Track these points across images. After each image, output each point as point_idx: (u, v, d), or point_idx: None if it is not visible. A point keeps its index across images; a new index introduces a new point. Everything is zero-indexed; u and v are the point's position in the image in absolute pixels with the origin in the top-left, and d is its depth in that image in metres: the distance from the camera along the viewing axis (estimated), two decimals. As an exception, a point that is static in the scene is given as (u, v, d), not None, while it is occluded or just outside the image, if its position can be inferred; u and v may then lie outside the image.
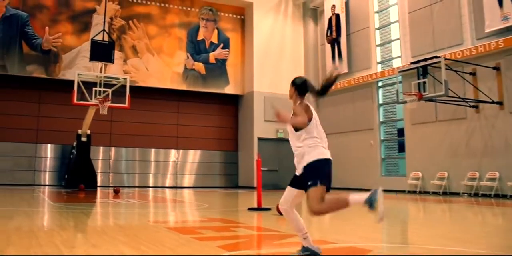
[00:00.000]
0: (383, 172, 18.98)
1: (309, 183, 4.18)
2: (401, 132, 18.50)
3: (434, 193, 16.07)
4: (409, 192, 17.00)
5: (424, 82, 14.45)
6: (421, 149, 17.07)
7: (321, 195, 4.17)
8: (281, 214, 8.43)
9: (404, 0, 18.18)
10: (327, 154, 4.29)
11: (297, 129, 4.33)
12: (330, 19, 21.45)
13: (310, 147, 4.28)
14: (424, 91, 14.38)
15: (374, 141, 19.21)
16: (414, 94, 14.48)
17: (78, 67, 19.30)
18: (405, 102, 15.03)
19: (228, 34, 22.77)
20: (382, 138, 19.16)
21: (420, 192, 16.66)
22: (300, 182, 4.36)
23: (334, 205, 4.23)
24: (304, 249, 4.40)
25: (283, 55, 22.35)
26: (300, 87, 4.54)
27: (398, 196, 15.19)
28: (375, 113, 19.30)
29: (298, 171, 4.38)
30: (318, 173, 4.22)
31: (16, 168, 18.85)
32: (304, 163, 4.29)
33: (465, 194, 15.09)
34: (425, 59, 14.49)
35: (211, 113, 22.62)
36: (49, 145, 19.64)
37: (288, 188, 4.53)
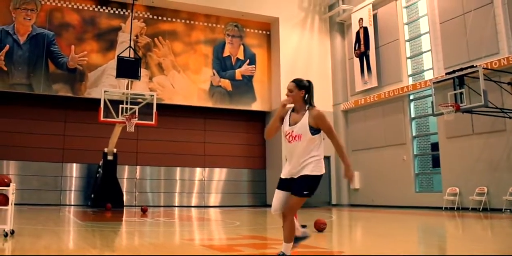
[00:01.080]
0: (417, 188, 18.29)
1: (305, 192, 4.30)
2: (435, 146, 17.86)
3: (474, 209, 15.33)
4: (446, 208, 16.29)
5: (461, 93, 13.91)
6: (457, 164, 16.38)
7: (300, 205, 4.43)
8: (319, 231, 8.01)
9: (434, 10, 17.71)
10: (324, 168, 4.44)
11: (315, 133, 4.36)
12: (357, 33, 21.06)
13: (316, 159, 4.33)
14: (461, 102, 13.84)
15: (407, 156, 18.57)
16: (451, 105, 13.93)
17: (104, 85, 19.12)
18: (441, 113, 14.45)
19: (254, 50, 22.50)
20: (415, 153, 18.51)
21: (458, 209, 15.94)
22: (288, 185, 4.39)
23: (293, 225, 4.47)
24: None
25: (310, 70, 21.91)
26: (310, 90, 4.50)
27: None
28: (407, 127, 18.70)
29: (291, 175, 4.39)
30: (313, 186, 4.34)
31: (42, 188, 18.62)
32: (307, 173, 4.31)
33: (508, 210, 14.35)
34: (461, 69, 13.96)
35: (238, 130, 22.23)
36: (74, 165, 19.43)
37: (280, 192, 4.47)
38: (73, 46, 19.47)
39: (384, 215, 14.15)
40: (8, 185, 7.05)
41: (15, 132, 18.57)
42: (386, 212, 15.80)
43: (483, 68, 13.73)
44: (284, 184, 4.45)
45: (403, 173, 18.60)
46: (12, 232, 6.85)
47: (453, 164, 16.55)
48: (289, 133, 4.44)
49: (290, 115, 4.53)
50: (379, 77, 19.90)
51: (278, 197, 4.45)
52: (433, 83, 15.18)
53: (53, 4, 19.47)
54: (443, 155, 17.02)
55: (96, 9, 20.10)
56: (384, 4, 20.18)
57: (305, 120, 4.38)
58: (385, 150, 19.38)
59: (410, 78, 18.98)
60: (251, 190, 22.05)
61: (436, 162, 17.84)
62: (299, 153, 4.34)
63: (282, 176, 4.49)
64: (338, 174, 21.12)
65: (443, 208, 16.32)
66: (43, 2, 19.31)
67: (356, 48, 21.16)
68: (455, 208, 15.96)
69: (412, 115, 18.78)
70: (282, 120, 4.57)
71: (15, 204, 7.12)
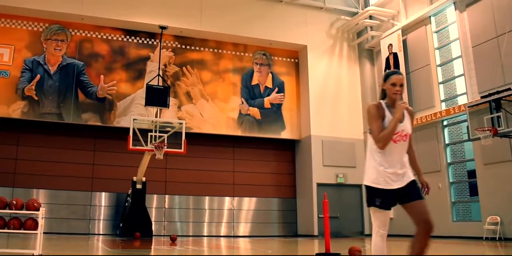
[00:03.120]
0: (455, 218, 17.61)
1: (423, 197, 4.17)
2: (472, 173, 17.25)
3: (516, 239, 14.63)
4: (487, 238, 15.57)
5: (498, 117, 13.49)
6: (497, 191, 15.71)
7: None
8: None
9: (466, 34, 17.38)
10: None
11: None
12: (387, 59, 20.80)
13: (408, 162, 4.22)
14: (499, 126, 13.39)
15: (442, 184, 17.96)
16: (488, 130, 13.48)
17: (133, 114, 19.08)
18: (478, 138, 13.98)
19: (282, 78, 22.38)
20: (451, 180, 17.91)
21: (500, 239, 15.21)
22: (401, 196, 4.14)
23: None
24: None
25: (340, 98, 21.69)
26: None
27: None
28: (441, 154, 18.15)
29: (401, 184, 4.13)
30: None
31: (71, 217, 18.49)
32: (413, 177, 4.25)
33: (553, 239, 13.65)
34: (498, 92, 13.56)
35: (267, 159, 21.90)
36: (103, 193, 19.30)
37: (386, 212, 4.14)
38: (102, 76, 19.61)
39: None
40: (38, 209, 6.92)
41: (44, 161, 18.60)
42: (423, 241, 15.15)
43: (522, 90, 13.32)
44: (392, 199, 4.08)
45: (439, 201, 17.94)
46: (40, 256, 6.66)
47: (492, 192, 15.89)
48: (398, 132, 4.10)
49: (391, 112, 4.24)
50: (410, 103, 19.47)
51: (388, 218, 4.11)
52: (468, 107, 14.77)
53: (83, 34, 19.75)
54: (481, 182, 16.38)
55: (125, 39, 20.31)
56: (413, 29, 19.95)
57: (408, 117, 4.12)
58: (419, 177, 18.76)
59: (443, 104, 18.54)
60: (281, 220, 21.55)
61: (473, 190, 17.19)
62: (403, 154, 4.09)
63: (392, 187, 4.09)
64: (370, 203, 20.53)
65: (484, 238, 15.62)
66: (73, 33, 19.60)
67: (386, 75, 20.82)
68: (497, 238, 15.25)
69: (446, 142, 18.26)
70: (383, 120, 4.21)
71: (44, 233, 6.95)
